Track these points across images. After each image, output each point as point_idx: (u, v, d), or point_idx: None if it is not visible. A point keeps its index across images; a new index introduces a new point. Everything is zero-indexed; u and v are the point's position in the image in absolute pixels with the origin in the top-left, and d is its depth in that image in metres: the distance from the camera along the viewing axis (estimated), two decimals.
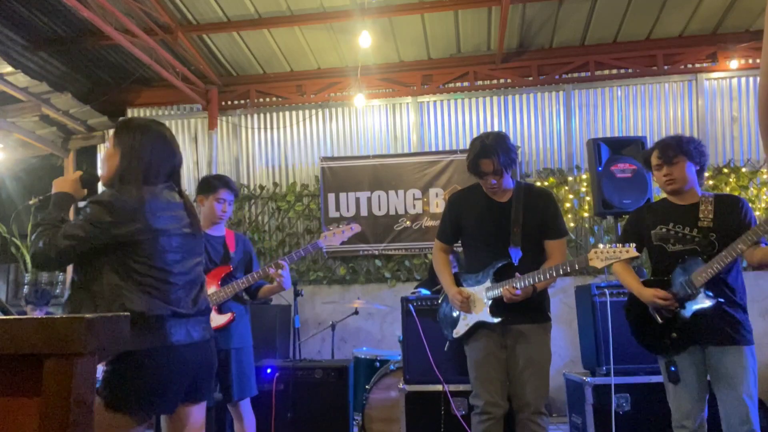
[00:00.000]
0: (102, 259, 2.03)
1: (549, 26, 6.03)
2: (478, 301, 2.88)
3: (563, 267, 2.69)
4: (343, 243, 3.53)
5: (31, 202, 2.50)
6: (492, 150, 2.78)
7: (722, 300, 2.64)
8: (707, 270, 2.60)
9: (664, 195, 2.95)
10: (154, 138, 2.20)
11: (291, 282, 3.40)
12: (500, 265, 2.84)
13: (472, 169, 2.86)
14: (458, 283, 2.99)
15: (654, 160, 2.85)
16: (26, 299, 5.47)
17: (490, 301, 2.84)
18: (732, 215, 2.71)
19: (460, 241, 3.13)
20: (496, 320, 2.80)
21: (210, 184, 3.36)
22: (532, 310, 2.81)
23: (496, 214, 2.90)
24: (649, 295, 2.71)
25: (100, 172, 2.28)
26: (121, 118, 2.30)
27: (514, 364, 2.80)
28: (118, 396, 1.94)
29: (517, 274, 2.77)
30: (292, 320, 4.82)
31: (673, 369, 2.68)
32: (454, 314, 3.00)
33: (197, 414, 2.21)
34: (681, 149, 2.77)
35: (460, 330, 2.94)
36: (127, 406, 1.95)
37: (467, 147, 6.65)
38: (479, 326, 2.87)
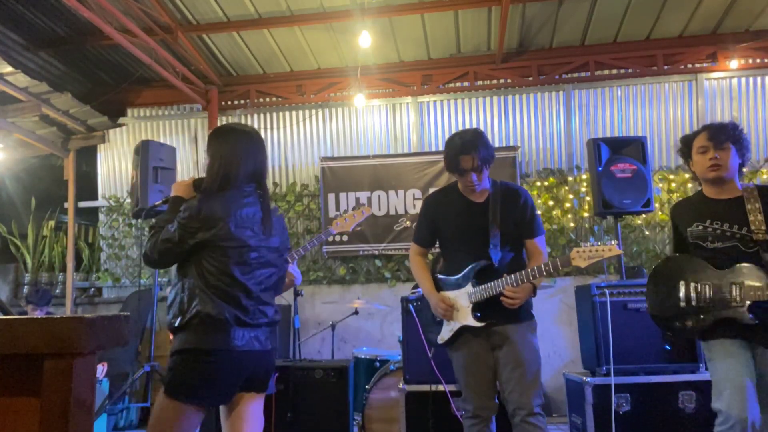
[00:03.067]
0: (191, 258, 2.19)
1: (549, 26, 6.04)
2: (460, 306, 2.82)
3: (546, 268, 2.65)
4: (358, 227, 3.54)
5: (157, 203, 2.70)
6: (471, 146, 2.74)
7: None
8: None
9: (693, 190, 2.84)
10: (234, 139, 2.31)
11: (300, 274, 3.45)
12: (479, 267, 2.78)
13: (452, 166, 2.81)
14: (438, 287, 2.93)
15: (701, 142, 2.65)
16: (26, 299, 5.47)
17: (472, 305, 2.78)
18: None
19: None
20: (481, 324, 2.75)
21: None
22: (515, 309, 2.74)
23: (474, 215, 2.85)
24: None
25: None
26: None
27: (503, 367, 2.73)
28: (174, 384, 2.10)
29: (505, 275, 2.71)
30: (292, 320, 4.82)
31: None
32: (437, 319, 2.94)
33: (252, 405, 2.28)
34: (733, 136, 2.63)
35: (444, 336, 2.88)
36: (179, 395, 2.10)
37: None
38: (463, 331, 2.81)
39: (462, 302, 2.82)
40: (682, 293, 2.58)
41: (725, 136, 2.62)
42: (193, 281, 2.15)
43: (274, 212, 2.38)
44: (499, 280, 2.71)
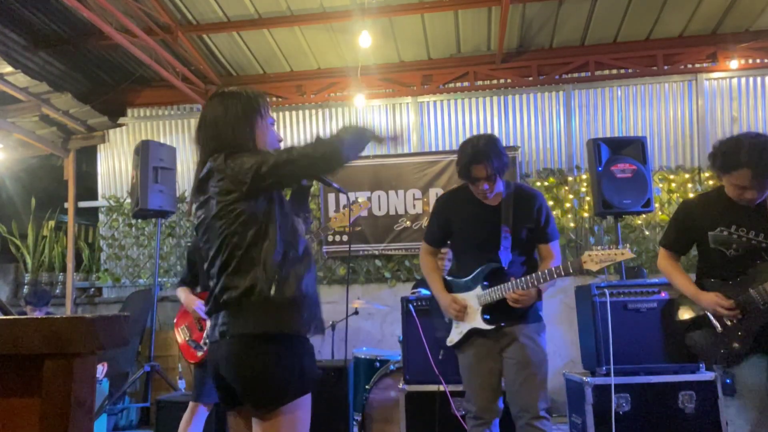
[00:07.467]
0: None
1: (549, 26, 6.03)
2: (470, 308, 2.80)
3: (557, 271, 2.62)
4: (357, 227, 3.47)
5: None
6: (484, 155, 2.66)
7: None
8: None
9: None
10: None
11: None
12: (489, 269, 2.76)
13: (464, 174, 2.76)
14: (448, 289, 2.90)
15: (742, 180, 2.40)
16: (26, 299, 5.46)
17: (481, 308, 2.76)
18: None
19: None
20: (490, 327, 2.73)
21: None
22: (523, 311, 2.73)
23: (486, 218, 2.81)
24: (710, 301, 2.44)
25: None
26: None
27: (509, 369, 2.71)
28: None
29: (512, 279, 2.70)
30: None
31: (728, 381, 2.41)
32: (446, 320, 2.92)
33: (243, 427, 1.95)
34: None
35: (453, 338, 2.86)
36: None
37: None
38: (473, 333, 2.80)
39: (471, 304, 2.80)
40: (712, 321, 2.47)
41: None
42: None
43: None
44: (508, 283, 2.69)
